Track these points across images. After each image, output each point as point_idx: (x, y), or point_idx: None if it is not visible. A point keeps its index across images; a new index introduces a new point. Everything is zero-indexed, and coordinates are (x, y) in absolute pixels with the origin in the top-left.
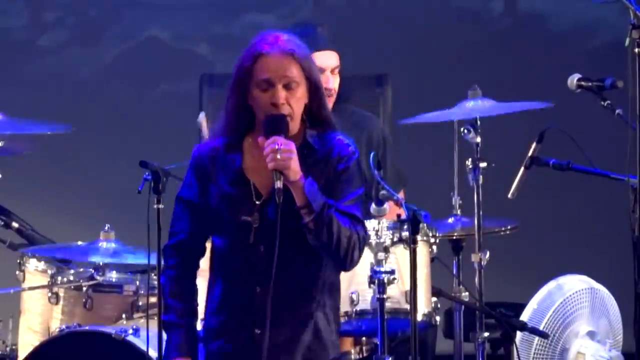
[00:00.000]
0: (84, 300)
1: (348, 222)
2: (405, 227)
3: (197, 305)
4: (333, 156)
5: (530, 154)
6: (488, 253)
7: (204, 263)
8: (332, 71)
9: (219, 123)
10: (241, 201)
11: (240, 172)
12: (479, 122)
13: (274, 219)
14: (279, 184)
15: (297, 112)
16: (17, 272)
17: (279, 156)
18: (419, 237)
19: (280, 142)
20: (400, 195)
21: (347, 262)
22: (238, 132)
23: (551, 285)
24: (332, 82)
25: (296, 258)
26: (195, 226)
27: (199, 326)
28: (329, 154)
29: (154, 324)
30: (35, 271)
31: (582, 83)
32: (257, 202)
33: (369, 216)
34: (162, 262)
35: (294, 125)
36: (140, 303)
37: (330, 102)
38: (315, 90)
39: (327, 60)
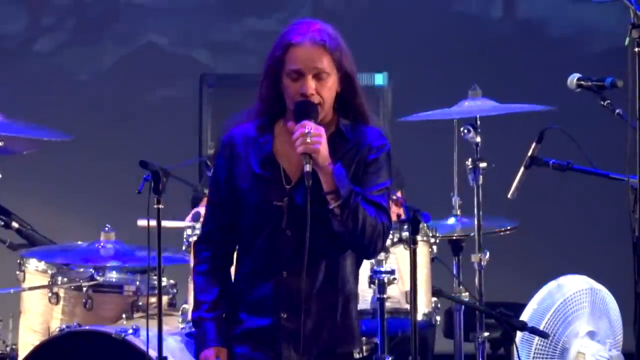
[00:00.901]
0: (84, 300)
1: (374, 212)
2: (406, 227)
3: (228, 297)
4: (364, 146)
5: (530, 154)
6: (488, 253)
7: None
8: None
9: (252, 108)
10: (272, 184)
11: (271, 155)
12: (478, 122)
13: (302, 203)
14: (308, 168)
15: (328, 101)
16: (17, 272)
17: (308, 140)
18: (419, 238)
19: (310, 127)
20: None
21: (371, 251)
22: (269, 117)
23: (551, 285)
24: None
25: (321, 244)
26: (224, 215)
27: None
28: (360, 143)
29: (154, 324)
30: (35, 271)
31: (582, 83)
32: (287, 186)
33: None
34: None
35: (325, 114)
36: (140, 303)
37: None
38: (347, 80)
39: None
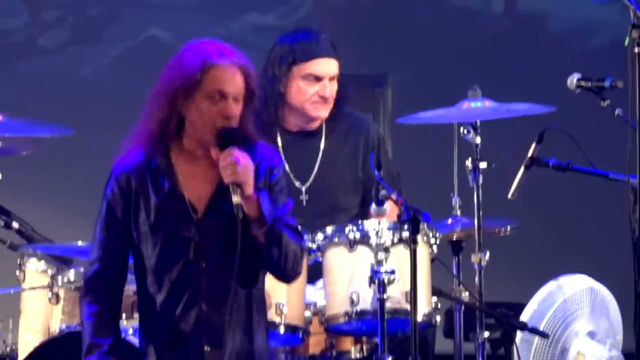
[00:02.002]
0: None
1: (292, 235)
2: (406, 227)
3: (119, 343)
4: (264, 166)
5: (530, 154)
6: (488, 253)
7: None
8: (331, 79)
9: (138, 131)
10: (178, 215)
11: (174, 186)
12: (478, 123)
13: (211, 234)
14: (236, 199)
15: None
16: (18, 272)
17: (239, 169)
18: (419, 238)
19: (239, 155)
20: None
21: (293, 275)
22: (164, 143)
23: (551, 285)
24: (329, 90)
25: (233, 273)
26: (119, 249)
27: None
28: (259, 163)
29: None
30: (35, 271)
31: (582, 83)
32: (195, 216)
33: (368, 217)
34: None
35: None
36: None
37: (326, 109)
38: (249, 103)
39: (327, 68)
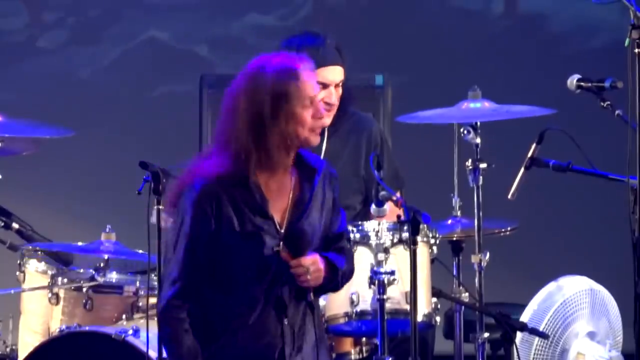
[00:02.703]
0: (84, 300)
1: (344, 262)
2: (406, 228)
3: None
4: (326, 179)
5: (530, 154)
6: (488, 254)
7: None
8: (337, 86)
9: (227, 153)
10: (264, 231)
11: (260, 200)
12: (478, 124)
13: (292, 248)
14: (311, 297)
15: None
16: (18, 273)
17: (309, 277)
18: (419, 238)
19: (308, 264)
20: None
21: (341, 288)
22: (247, 159)
23: (551, 286)
24: (334, 97)
25: (307, 290)
26: (202, 268)
27: None
28: (320, 173)
29: (154, 325)
30: (35, 272)
31: (582, 84)
32: (280, 231)
33: (369, 217)
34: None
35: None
36: (140, 304)
37: (330, 116)
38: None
39: (333, 75)
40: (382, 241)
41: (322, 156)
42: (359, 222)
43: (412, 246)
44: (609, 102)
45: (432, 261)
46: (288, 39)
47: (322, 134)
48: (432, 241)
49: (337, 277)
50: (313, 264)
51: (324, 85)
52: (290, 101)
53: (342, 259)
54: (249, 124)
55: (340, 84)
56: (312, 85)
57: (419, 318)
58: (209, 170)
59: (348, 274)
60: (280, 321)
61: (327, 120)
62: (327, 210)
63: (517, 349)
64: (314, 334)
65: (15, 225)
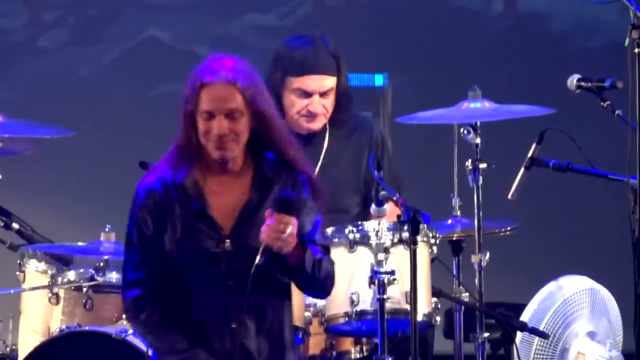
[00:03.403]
0: (84, 300)
1: (326, 258)
2: (406, 228)
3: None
4: (287, 183)
5: (530, 154)
6: (488, 254)
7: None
8: (322, 94)
9: (171, 151)
10: (205, 233)
11: (200, 202)
12: (478, 123)
13: (239, 251)
14: (260, 260)
15: (242, 139)
16: (18, 273)
17: (279, 243)
18: (419, 238)
19: (289, 228)
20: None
21: (325, 293)
22: (188, 161)
23: (551, 285)
24: (318, 107)
25: (265, 292)
26: (156, 267)
27: None
28: (276, 182)
29: None
30: (35, 272)
31: (582, 83)
32: (222, 233)
33: (369, 217)
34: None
35: (239, 153)
36: None
37: (316, 122)
38: (260, 117)
39: (317, 84)
40: (382, 241)
41: (322, 157)
42: (359, 222)
43: (412, 246)
44: (608, 102)
45: (432, 261)
46: (289, 39)
47: (322, 134)
48: (432, 241)
49: (312, 265)
50: (292, 226)
51: (307, 94)
52: (193, 110)
53: (321, 252)
54: (182, 122)
55: (331, 93)
56: (208, 100)
57: (419, 318)
58: (150, 177)
59: (327, 270)
60: (228, 329)
61: (314, 125)
62: None
63: (517, 348)
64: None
65: (15, 225)
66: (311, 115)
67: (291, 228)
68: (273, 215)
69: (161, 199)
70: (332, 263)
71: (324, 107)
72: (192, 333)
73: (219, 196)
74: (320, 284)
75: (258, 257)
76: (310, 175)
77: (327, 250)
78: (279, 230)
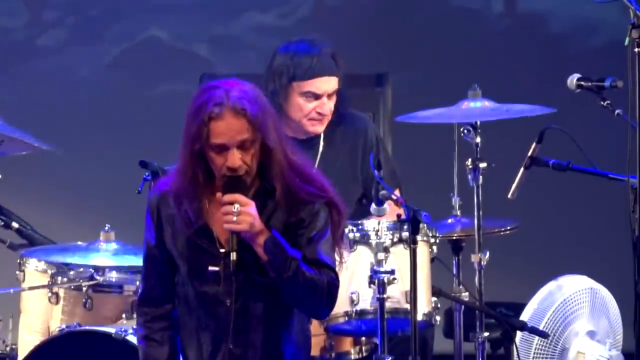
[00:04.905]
0: (84, 300)
1: (314, 272)
2: (405, 227)
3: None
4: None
5: (530, 154)
6: (488, 253)
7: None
8: (329, 96)
9: (177, 167)
10: (205, 250)
11: (205, 225)
12: (478, 123)
13: (237, 271)
14: (233, 256)
15: (254, 168)
16: (17, 272)
17: (234, 218)
18: (419, 237)
19: (237, 205)
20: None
21: (320, 312)
22: (197, 180)
23: (551, 285)
24: (327, 108)
25: (262, 312)
26: (161, 272)
27: None
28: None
29: None
30: (35, 271)
31: (582, 83)
32: (222, 251)
33: (369, 216)
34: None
35: (251, 179)
36: None
37: (323, 125)
38: (264, 149)
39: (326, 86)
40: (382, 240)
41: (318, 160)
42: (359, 221)
43: (412, 245)
44: (608, 102)
45: (432, 260)
46: (285, 45)
47: (317, 137)
48: (432, 240)
49: (285, 263)
50: (244, 204)
51: (317, 96)
52: (202, 146)
53: (309, 267)
54: (184, 145)
55: (335, 93)
56: (218, 133)
57: (419, 317)
58: (160, 186)
59: (314, 285)
60: (224, 348)
61: (320, 128)
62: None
63: (517, 348)
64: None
65: (15, 225)
66: (320, 117)
67: (240, 205)
68: (222, 199)
69: (164, 210)
70: (330, 282)
71: (330, 108)
72: (188, 349)
73: (220, 214)
74: (303, 294)
75: (231, 251)
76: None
77: (324, 267)
78: (232, 210)
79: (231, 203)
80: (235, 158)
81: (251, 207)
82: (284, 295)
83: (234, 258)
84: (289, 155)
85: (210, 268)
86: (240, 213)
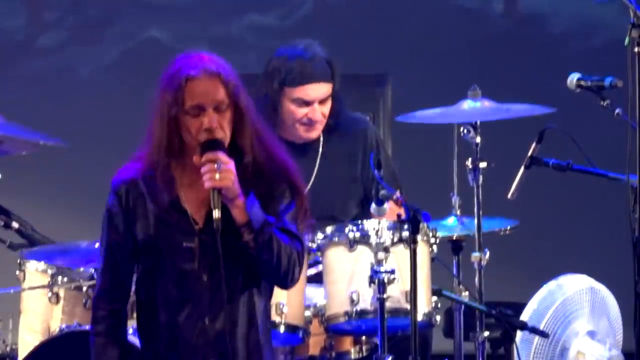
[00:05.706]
0: (84, 300)
1: (287, 239)
2: (406, 227)
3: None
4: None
5: (530, 154)
6: (488, 253)
7: None
8: (321, 102)
9: (141, 151)
10: (178, 227)
11: (174, 196)
12: (478, 123)
13: (212, 245)
14: (217, 214)
15: (228, 134)
16: (17, 272)
17: (217, 176)
18: (419, 237)
19: (219, 161)
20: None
21: (288, 280)
22: (166, 157)
23: (551, 285)
24: (318, 114)
25: (238, 285)
26: (124, 268)
27: None
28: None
29: None
30: (35, 271)
31: (582, 83)
32: (196, 227)
33: (369, 216)
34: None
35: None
36: None
37: (316, 130)
38: (238, 113)
39: (316, 92)
40: (382, 240)
41: (318, 162)
42: (359, 221)
43: (412, 245)
44: (608, 101)
45: (432, 260)
46: (281, 48)
47: (317, 140)
48: (432, 240)
49: (262, 225)
50: (225, 162)
51: (307, 102)
52: (177, 111)
53: (282, 234)
54: (154, 119)
55: (328, 99)
56: (196, 94)
57: (419, 317)
58: (124, 171)
59: (288, 253)
60: (200, 323)
61: (313, 134)
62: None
63: (517, 347)
64: (249, 343)
65: (15, 225)
66: (311, 123)
67: (221, 162)
68: (203, 157)
69: (133, 193)
70: (297, 251)
71: (322, 114)
72: (163, 331)
73: (192, 189)
74: (278, 260)
75: (214, 209)
76: (287, 177)
77: (294, 237)
78: (209, 168)
79: (212, 161)
80: (212, 117)
81: (231, 165)
82: (257, 263)
83: (218, 216)
84: (259, 129)
85: (185, 244)
86: (222, 170)
